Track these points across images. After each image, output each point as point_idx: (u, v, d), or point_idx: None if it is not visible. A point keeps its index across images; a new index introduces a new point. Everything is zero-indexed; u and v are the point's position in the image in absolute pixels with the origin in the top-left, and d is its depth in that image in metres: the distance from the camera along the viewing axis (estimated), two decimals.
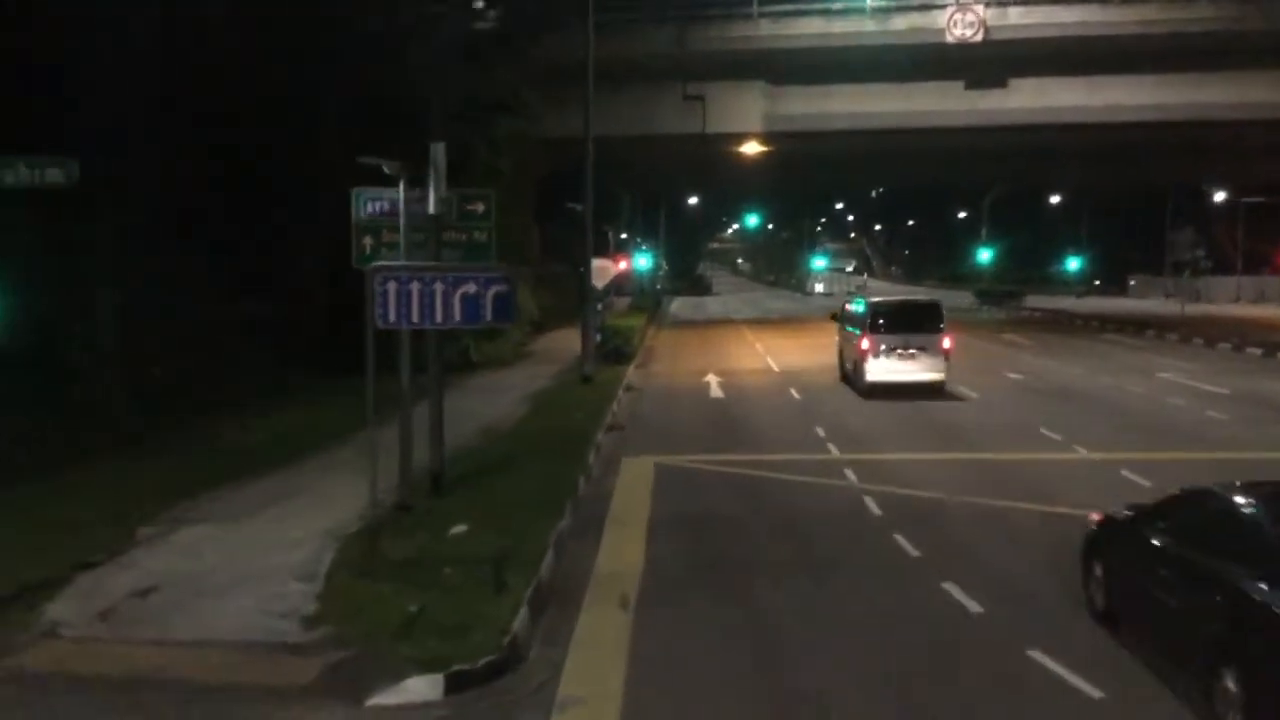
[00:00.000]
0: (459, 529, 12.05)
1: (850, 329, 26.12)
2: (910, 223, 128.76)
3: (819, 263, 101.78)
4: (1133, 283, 77.25)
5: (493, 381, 26.68)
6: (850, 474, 15.83)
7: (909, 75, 34.77)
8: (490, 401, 22.98)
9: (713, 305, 75.81)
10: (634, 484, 15.45)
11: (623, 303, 56.27)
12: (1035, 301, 64.12)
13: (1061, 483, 15.12)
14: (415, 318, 12.07)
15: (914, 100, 35.34)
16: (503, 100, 28.89)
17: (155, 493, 13.87)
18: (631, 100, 35.51)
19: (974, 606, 9.98)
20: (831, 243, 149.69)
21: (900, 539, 12.27)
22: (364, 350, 11.71)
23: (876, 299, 27.03)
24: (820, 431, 19.53)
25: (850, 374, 25.64)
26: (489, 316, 12.16)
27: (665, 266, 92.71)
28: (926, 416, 21.21)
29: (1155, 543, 8.55)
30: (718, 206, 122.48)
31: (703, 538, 12.62)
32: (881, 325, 23.89)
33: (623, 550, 12.05)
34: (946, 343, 23.87)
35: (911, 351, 23.59)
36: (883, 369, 23.61)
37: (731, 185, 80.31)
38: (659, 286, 78.26)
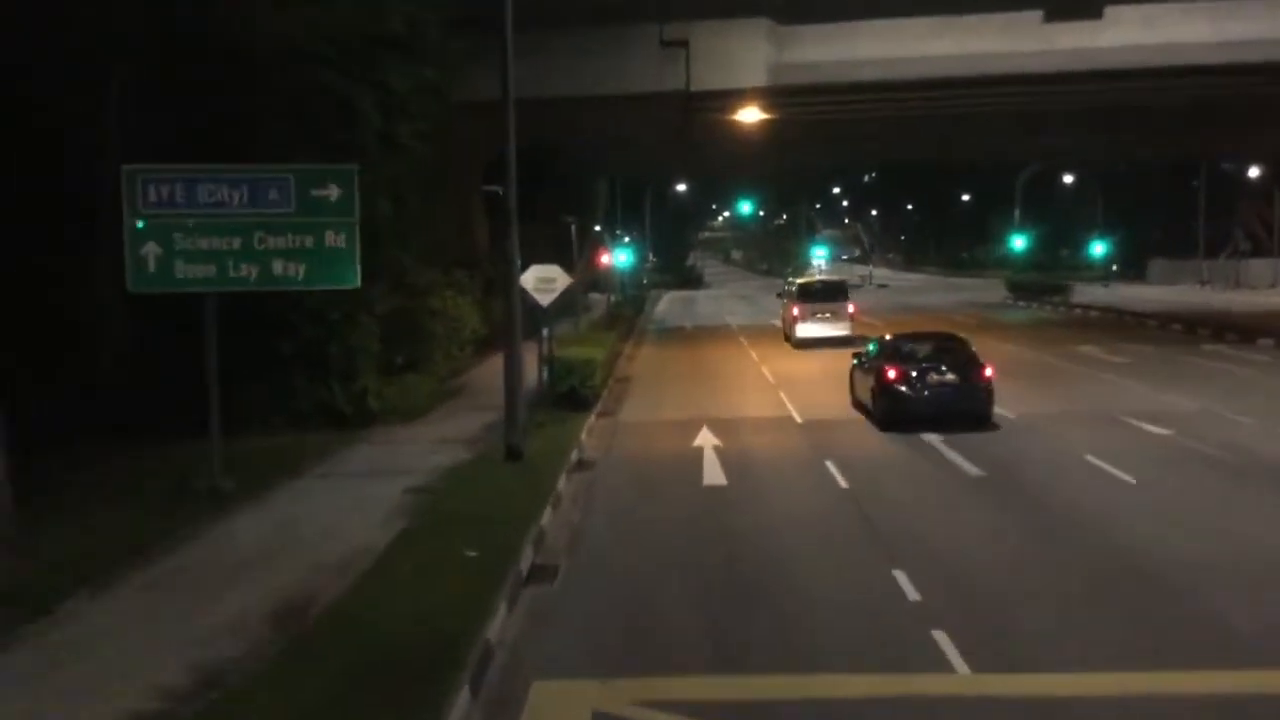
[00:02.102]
0: None
1: (786, 300, 36.46)
2: (909, 207, 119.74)
3: (819, 252, 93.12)
4: (1153, 267, 68.74)
5: (383, 452, 18.11)
6: None
7: (966, 3, 25.65)
8: (350, 503, 14.38)
9: (704, 303, 67.14)
10: None
11: (601, 301, 48.61)
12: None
13: None
14: None
15: (972, 39, 26.00)
16: (393, 37, 20.13)
17: None
18: (591, 49, 26.85)
19: None
20: (827, 229, 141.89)
21: None
22: None
23: (802, 280, 38.30)
24: (906, 584, 10.62)
25: (786, 333, 34.92)
26: None
27: (653, 258, 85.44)
28: (1082, 537, 12.47)
29: (862, 363, 21.03)
30: (707, 194, 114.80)
31: None
32: (807, 297, 34.04)
33: None
34: (851, 308, 33.68)
35: (827, 315, 33.14)
36: (808, 329, 33.03)
37: (720, 168, 71.90)
38: (644, 282, 70.37)
